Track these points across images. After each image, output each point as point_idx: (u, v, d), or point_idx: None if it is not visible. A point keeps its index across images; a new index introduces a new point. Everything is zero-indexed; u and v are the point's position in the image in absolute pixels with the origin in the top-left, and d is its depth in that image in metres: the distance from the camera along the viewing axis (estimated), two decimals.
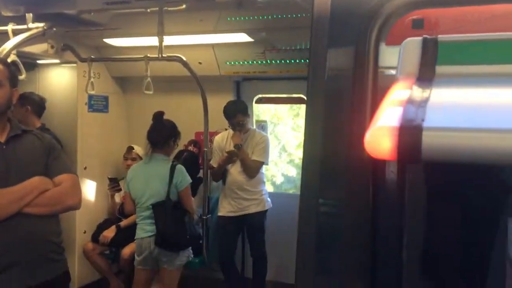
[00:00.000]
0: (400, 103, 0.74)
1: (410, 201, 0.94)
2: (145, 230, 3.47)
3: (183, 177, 3.51)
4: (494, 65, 0.79)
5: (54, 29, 3.06)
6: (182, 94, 5.09)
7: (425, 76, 0.80)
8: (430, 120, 0.68)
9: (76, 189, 2.33)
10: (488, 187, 0.85)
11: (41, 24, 2.94)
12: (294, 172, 6.48)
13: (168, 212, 3.36)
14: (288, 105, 5.91)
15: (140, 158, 4.88)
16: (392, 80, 1.14)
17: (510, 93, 0.74)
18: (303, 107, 5.87)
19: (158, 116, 3.64)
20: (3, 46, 2.77)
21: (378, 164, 0.93)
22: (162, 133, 3.57)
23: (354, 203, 1.07)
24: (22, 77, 2.87)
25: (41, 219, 2.19)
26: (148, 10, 3.58)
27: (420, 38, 0.87)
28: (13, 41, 2.81)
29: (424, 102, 0.71)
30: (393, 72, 0.98)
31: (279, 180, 6.32)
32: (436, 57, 0.82)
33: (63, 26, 3.15)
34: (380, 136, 0.71)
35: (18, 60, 2.72)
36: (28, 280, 2.13)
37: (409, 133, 0.67)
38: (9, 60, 2.65)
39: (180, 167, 3.53)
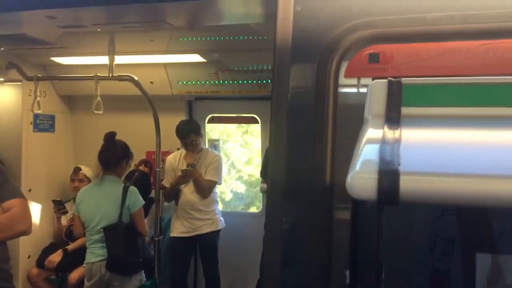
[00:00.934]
0: (374, 145, 0.80)
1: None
2: (96, 254, 3.36)
3: (136, 198, 3.45)
4: (457, 107, 0.86)
5: (2, 48, 2.96)
6: (132, 113, 5.02)
7: (393, 116, 0.87)
8: (405, 165, 0.74)
9: (27, 214, 2.25)
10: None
11: None
12: (243, 189, 6.51)
13: (120, 235, 3.28)
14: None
15: (88, 179, 4.74)
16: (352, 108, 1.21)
17: (473, 134, 0.81)
18: (252, 125, 5.95)
19: (110, 137, 3.58)
20: None
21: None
22: (114, 154, 3.51)
23: (316, 221, 1.11)
24: None
25: None
26: (98, 30, 3.54)
27: (385, 80, 0.93)
28: None
29: (397, 144, 0.77)
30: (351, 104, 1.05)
31: (228, 197, 6.34)
32: (401, 98, 0.89)
33: (8, 44, 3.03)
34: (361, 180, 0.77)
35: None
36: None
37: (388, 178, 0.74)
38: None
39: (133, 189, 3.47)
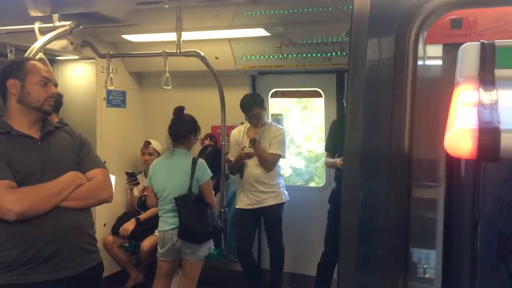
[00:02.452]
0: (472, 105, 0.81)
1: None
2: (168, 223, 3.54)
3: (204, 171, 3.57)
4: None
5: (80, 27, 3.12)
6: (197, 88, 5.14)
7: (487, 78, 0.86)
8: (505, 123, 0.75)
9: (108, 182, 2.42)
10: None
11: (68, 23, 3.01)
12: (302, 165, 6.49)
13: (191, 205, 3.43)
14: (296, 98, 5.90)
15: (158, 152, 4.96)
16: (431, 79, 1.18)
17: None
18: (311, 99, 5.91)
19: (179, 111, 3.70)
20: (33, 45, 2.85)
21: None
22: (183, 128, 3.63)
23: (395, 198, 1.11)
24: None
25: (77, 212, 2.28)
26: (166, 6, 3.62)
27: (478, 42, 0.91)
28: (42, 40, 2.88)
29: (494, 105, 0.78)
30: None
31: (287, 173, 6.36)
32: (494, 60, 0.88)
33: (84, 23, 3.19)
34: (460, 138, 0.78)
35: (45, 58, 2.78)
36: (68, 270, 2.21)
37: (488, 134, 0.75)
38: (36, 57, 2.72)
39: (201, 161, 3.60)
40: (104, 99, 4.85)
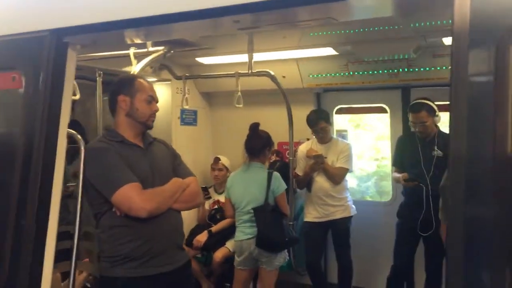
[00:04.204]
0: None
1: None
2: (245, 232, 3.73)
3: (279, 183, 3.76)
4: None
5: (172, 51, 3.42)
6: (263, 106, 5.35)
7: None
8: None
9: (200, 189, 2.66)
10: None
11: (161, 48, 3.33)
12: (354, 183, 6.48)
13: (268, 215, 3.61)
14: (348, 116, 5.92)
15: (226, 168, 5.20)
16: None
17: None
18: (363, 117, 5.96)
19: (255, 127, 3.92)
20: (133, 69, 3.17)
21: None
22: (258, 143, 3.84)
23: (503, 206, 1.20)
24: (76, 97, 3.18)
25: (178, 213, 2.55)
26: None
27: None
28: (141, 64, 3.20)
29: None
30: None
31: None
32: None
33: (173, 48, 3.49)
34: None
35: None
36: (169, 265, 2.46)
37: None
38: None
39: (276, 174, 3.78)
40: (178, 117, 5.18)
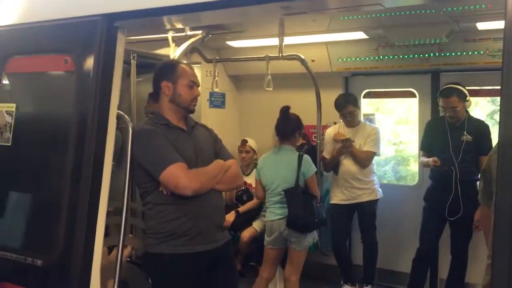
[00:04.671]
0: None
1: None
2: (275, 213, 3.83)
3: (309, 165, 3.83)
4: None
5: (210, 35, 3.49)
6: (290, 90, 5.37)
7: None
8: None
9: (240, 172, 2.75)
10: None
11: (199, 32, 3.39)
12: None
13: (299, 197, 3.69)
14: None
15: (253, 150, 5.28)
16: None
17: None
18: (382, 101, 5.92)
19: (285, 110, 3.98)
20: (175, 53, 3.26)
21: None
22: (289, 126, 3.91)
23: None
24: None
25: (220, 194, 2.65)
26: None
27: None
28: (181, 48, 3.28)
29: None
30: None
31: None
32: None
33: (210, 32, 3.54)
34: None
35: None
36: (213, 243, 2.55)
37: None
38: None
39: (306, 157, 3.85)
40: (207, 100, 5.27)
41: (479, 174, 2.23)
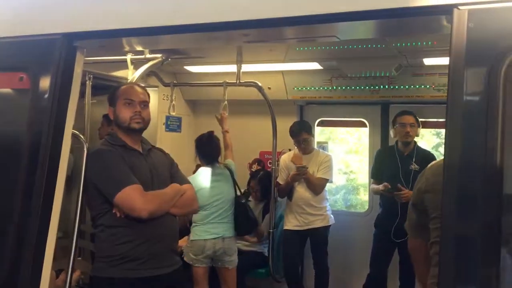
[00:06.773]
0: None
1: None
2: (210, 232, 4.03)
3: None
4: None
5: (169, 59, 3.51)
6: (247, 116, 5.47)
7: None
8: None
9: (196, 196, 2.74)
10: None
11: (158, 55, 3.41)
12: None
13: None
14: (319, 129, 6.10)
15: None
16: None
17: None
18: (334, 131, 6.14)
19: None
20: (133, 75, 3.24)
21: None
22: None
23: (490, 225, 1.36)
24: None
25: (174, 218, 2.62)
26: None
27: None
28: (140, 70, 3.28)
29: None
30: None
31: None
32: None
33: (170, 56, 3.57)
34: None
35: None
36: (165, 268, 2.52)
37: None
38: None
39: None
40: (163, 124, 5.24)
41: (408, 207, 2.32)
